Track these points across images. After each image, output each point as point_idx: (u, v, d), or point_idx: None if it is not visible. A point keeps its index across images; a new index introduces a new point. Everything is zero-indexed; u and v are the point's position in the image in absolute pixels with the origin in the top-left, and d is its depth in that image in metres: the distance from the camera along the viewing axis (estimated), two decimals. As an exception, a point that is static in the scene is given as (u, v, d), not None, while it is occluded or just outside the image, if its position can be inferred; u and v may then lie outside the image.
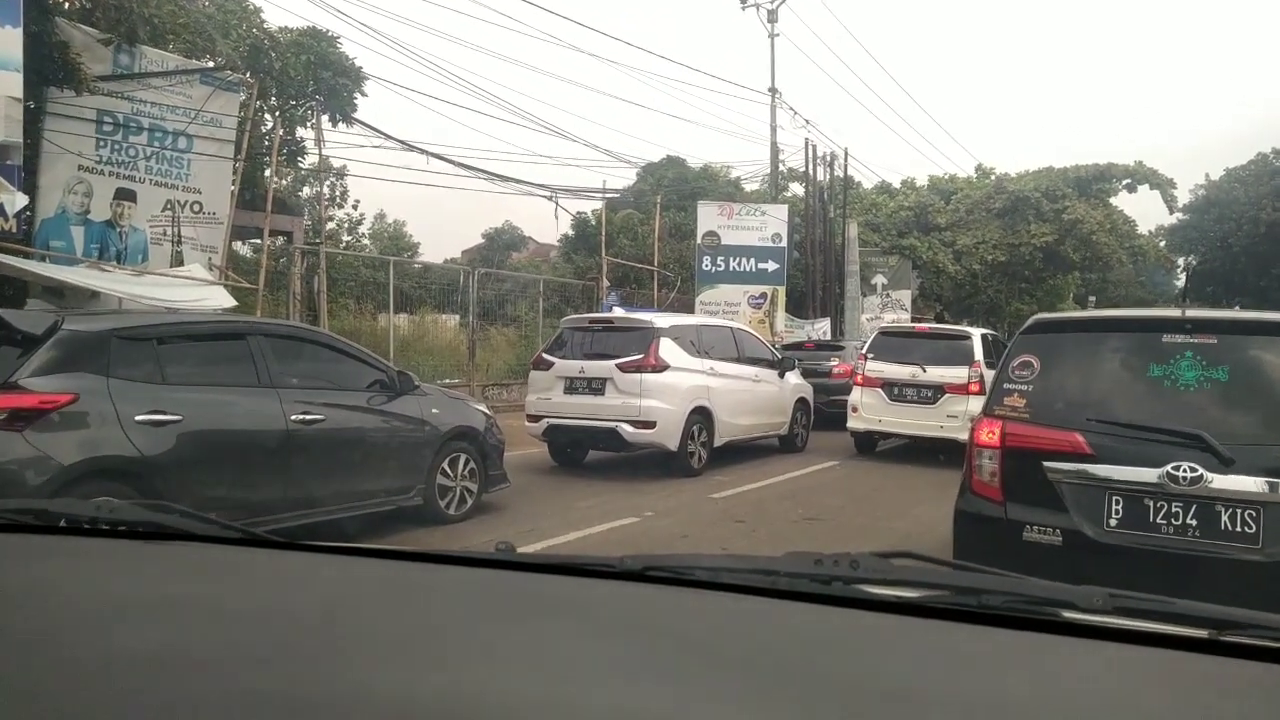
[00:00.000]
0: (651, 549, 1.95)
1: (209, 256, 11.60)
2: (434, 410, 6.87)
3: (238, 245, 15.70)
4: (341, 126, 15.78)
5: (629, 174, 27.27)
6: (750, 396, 10.69)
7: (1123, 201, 30.56)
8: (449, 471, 6.88)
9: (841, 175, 25.58)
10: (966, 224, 28.67)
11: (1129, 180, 29.74)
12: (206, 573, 1.46)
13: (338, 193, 22.63)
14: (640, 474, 9.36)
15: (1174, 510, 3.50)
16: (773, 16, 26.47)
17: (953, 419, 10.43)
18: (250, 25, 14.61)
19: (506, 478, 7.57)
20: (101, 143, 10.68)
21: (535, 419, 9.80)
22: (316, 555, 1.66)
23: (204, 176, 11.59)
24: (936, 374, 10.86)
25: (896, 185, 31.91)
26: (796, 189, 27.25)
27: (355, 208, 25.06)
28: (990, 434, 3.96)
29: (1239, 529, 3.40)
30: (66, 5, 10.66)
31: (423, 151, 17.64)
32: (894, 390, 11.09)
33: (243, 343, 5.83)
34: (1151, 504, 3.54)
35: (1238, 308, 25.59)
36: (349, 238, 25.17)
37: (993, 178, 30.84)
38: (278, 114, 15.48)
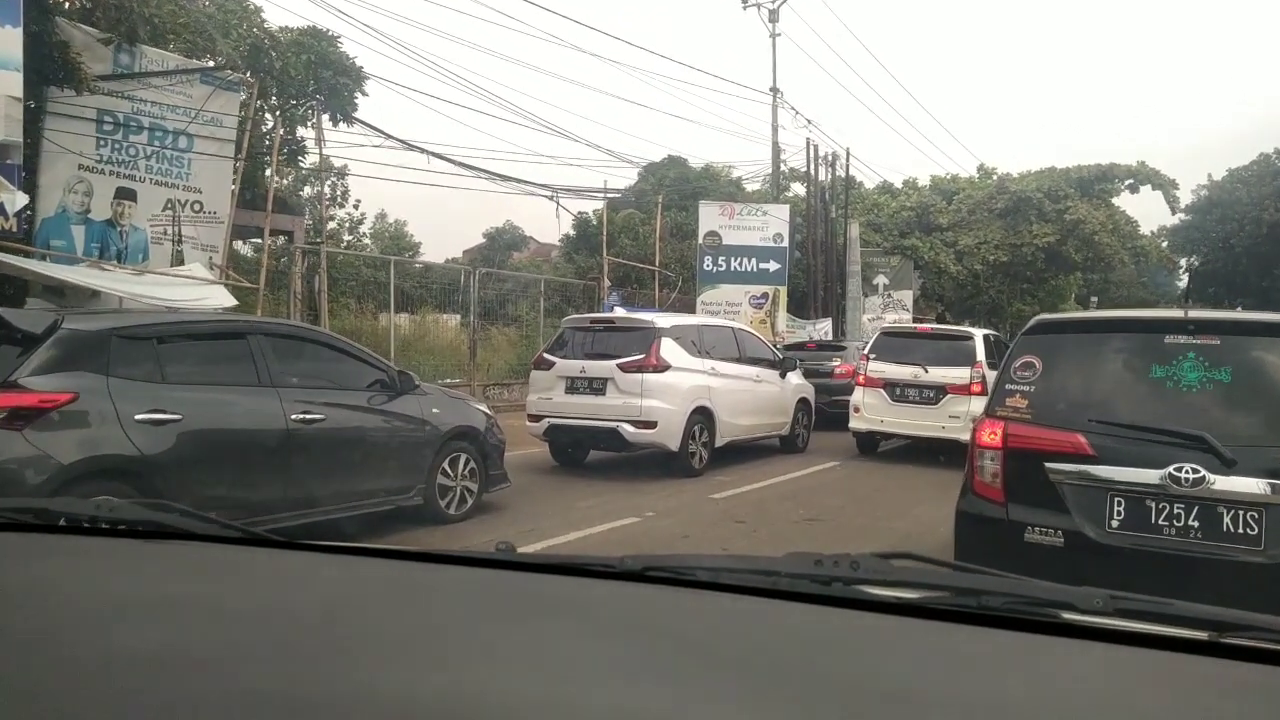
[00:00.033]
0: (652, 549, 1.95)
1: (209, 256, 11.60)
2: (434, 410, 6.87)
3: (238, 245, 15.71)
4: (342, 126, 15.79)
5: (630, 174, 27.30)
6: (751, 397, 10.68)
7: (1125, 202, 30.62)
8: (449, 471, 6.88)
9: (843, 175, 25.60)
10: (968, 224, 28.66)
11: (1131, 180, 29.74)
12: (206, 572, 1.46)
13: (339, 192, 22.70)
14: (641, 474, 9.36)
15: (1176, 512, 3.49)
16: (774, 16, 26.48)
17: (955, 419, 10.43)
18: (250, 25, 14.62)
19: (507, 477, 7.57)
20: (102, 142, 10.69)
21: (536, 419, 9.80)
22: (317, 555, 1.66)
23: (204, 176, 11.60)
24: (938, 374, 10.86)
25: (898, 185, 31.92)
26: (798, 189, 27.28)
27: (356, 207, 25.15)
28: (992, 435, 3.96)
29: (1241, 531, 3.40)
30: (67, 5, 10.67)
31: (424, 151, 17.67)
32: (896, 391, 11.09)
33: (243, 342, 5.83)
34: (1153, 505, 3.53)
35: (1240, 309, 25.58)
36: (350, 237, 25.23)
37: (995, 178, 30.83)
38: (278, 113, 15.48)
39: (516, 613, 1.26)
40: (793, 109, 33.93)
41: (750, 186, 27.78)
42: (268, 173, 14.56)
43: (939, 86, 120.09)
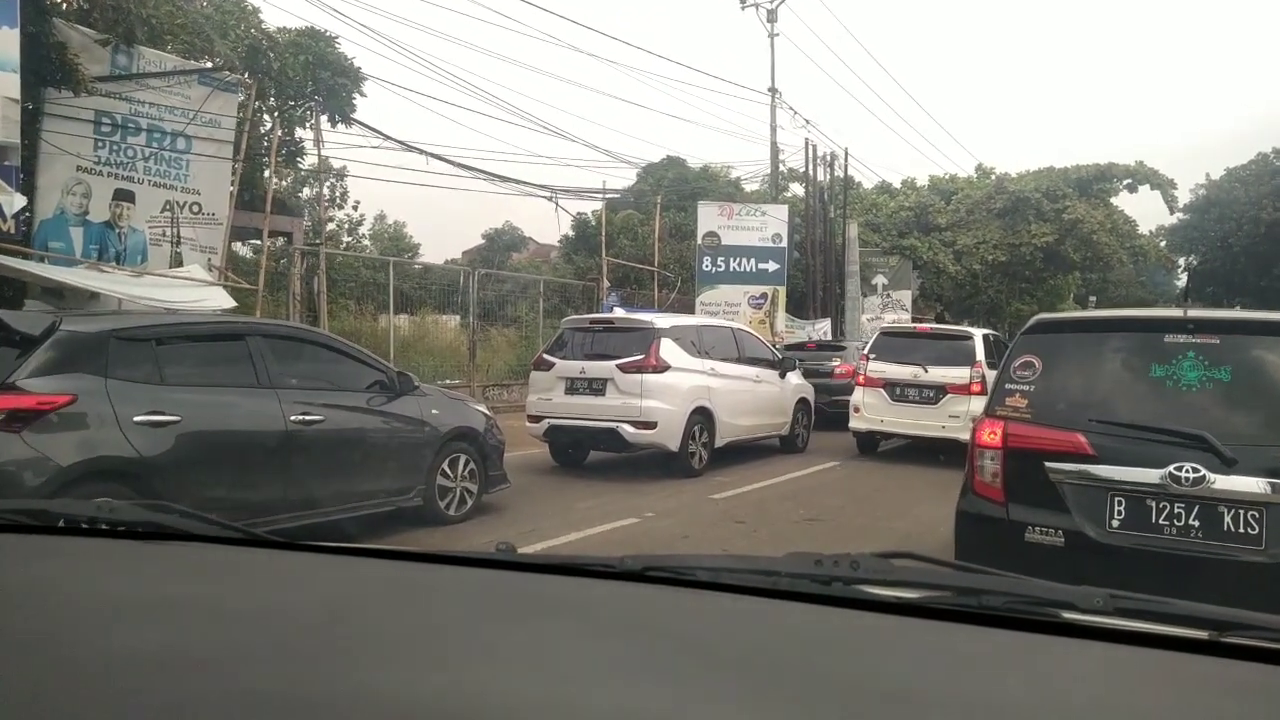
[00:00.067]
0: (652, 549, 1.95)
1: (208, 257, 11.60)
2: (434, 411, 6.87)
3: (237, 246, 15.72)
4: (340, 127, 15.80)
5: (629, 174, 27.34)
6: (751, 397, 10.69)
7: (1123, 201, 30.66)
8: (449, 472, 6.87)
9: (842, 175, 25.61)
10: (967, 224, 28.68)
11: (1129, 180, 29.78)
12: (206, 573, 1.46)
13: (337, 193, 22.65)
14: (641, 474, 9.36)
15: (1176, 511, 3.49)
16: (772, 16, 26.52)
17: (954, 419, 10.44)
18: (248, 25, 14.63)
19: (507, 478, 7.57)
20: (100, 143, 10.68)
21: (536, 419, 9.80)
22: (316, 555, 1.66)
23: (203, 177, 11.59)
24: (938, 374, 10.87)
25: (897, 185, 31.95)
26: (797, 189, 27.29)
27: (355, 208, 25.11)
28: (992, 434, 3.96)
29: (1241, 530, 3.40)
30: (64, 6, 10.66)
31: (422, 152, 17.66)
32: (896, 390, 11.10)
33: (242, 343, 5.83)
34: (1154, 505, 3.53)
35: (1238, 308, 25.62)
36: (349, 238, 25.22)
37: (993, 178, 30.86)
38: (276, 114, 15.49)
39: (517, 613, 1.26)
40: (791, 109, 34.01)
41: (749, 187, 27.84)
42: (266, 174, 14.56)
43: (937, 86, 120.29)
